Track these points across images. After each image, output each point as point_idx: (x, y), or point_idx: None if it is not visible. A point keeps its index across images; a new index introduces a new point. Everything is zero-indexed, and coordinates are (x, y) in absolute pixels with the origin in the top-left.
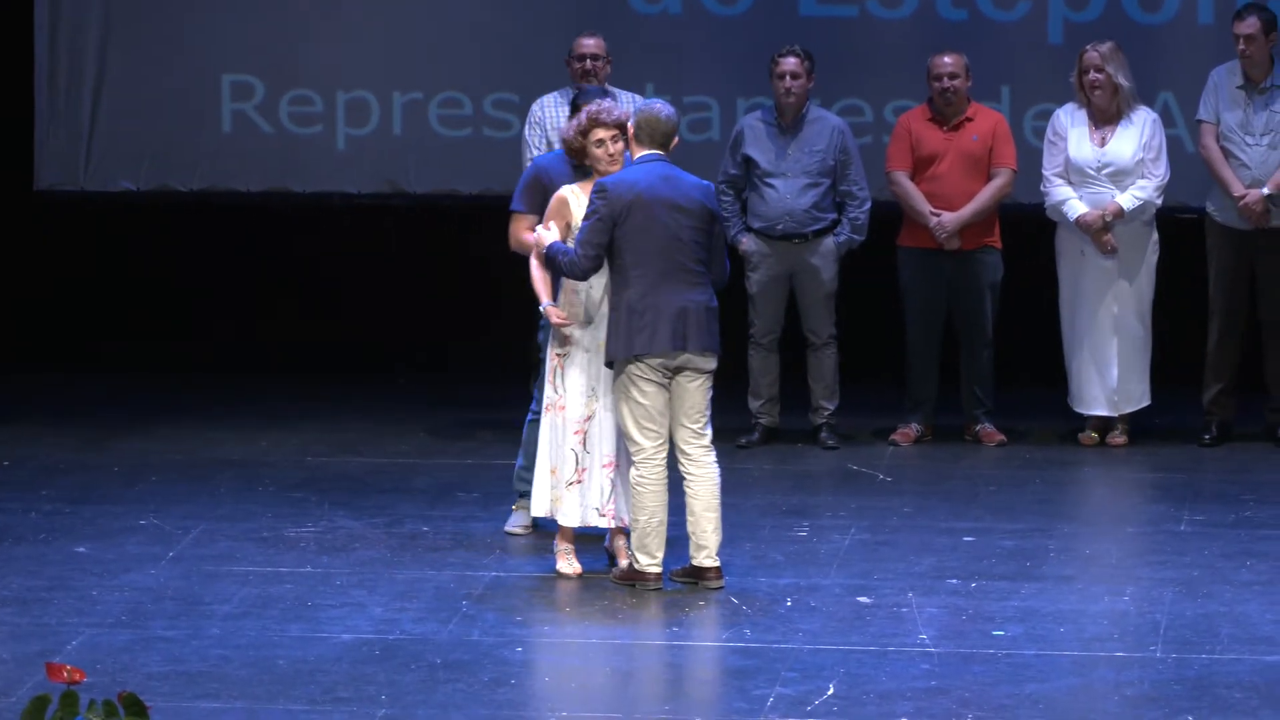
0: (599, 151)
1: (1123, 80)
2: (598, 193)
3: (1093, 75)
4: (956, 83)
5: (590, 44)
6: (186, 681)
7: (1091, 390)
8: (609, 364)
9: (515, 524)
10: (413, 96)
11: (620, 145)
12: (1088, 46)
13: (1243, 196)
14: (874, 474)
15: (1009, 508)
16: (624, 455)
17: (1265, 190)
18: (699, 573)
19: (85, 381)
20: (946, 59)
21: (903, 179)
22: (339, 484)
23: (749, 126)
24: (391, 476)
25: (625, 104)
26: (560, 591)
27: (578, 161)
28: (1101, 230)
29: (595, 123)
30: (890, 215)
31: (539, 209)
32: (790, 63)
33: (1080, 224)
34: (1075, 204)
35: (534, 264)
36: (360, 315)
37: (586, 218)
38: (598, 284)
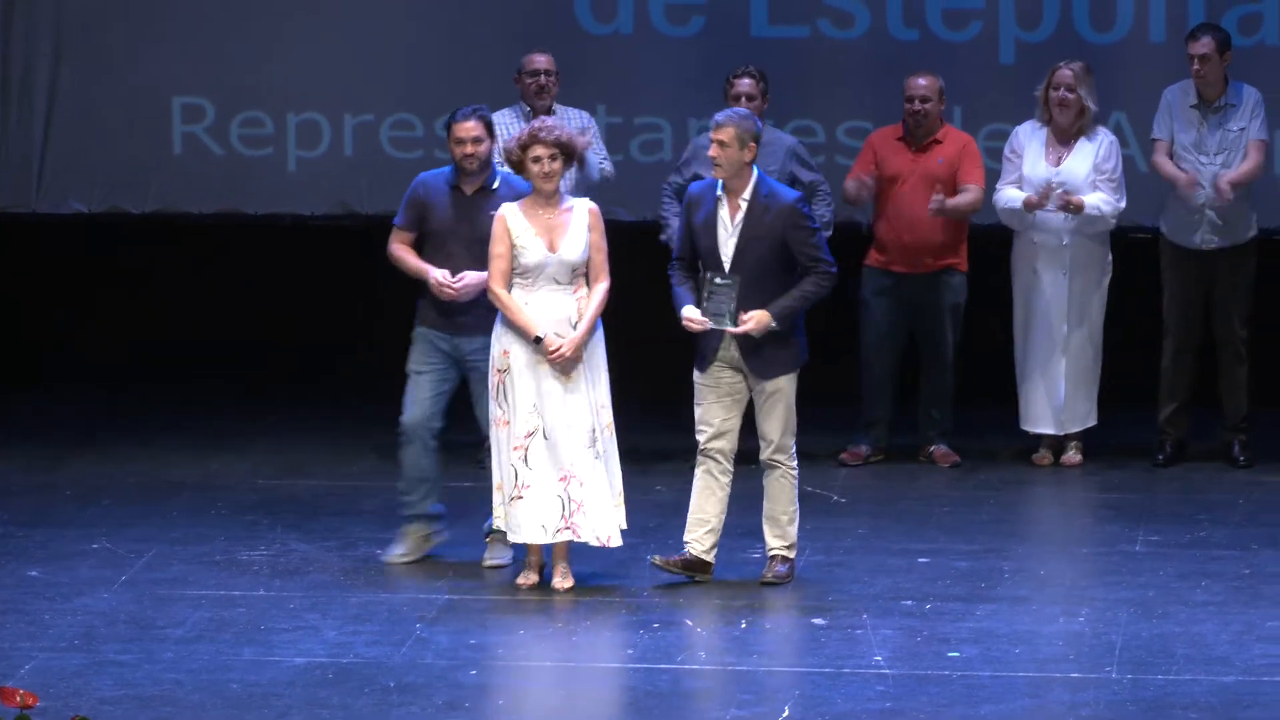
0: (535, 169)
1: (1091, 103)
2: (807, 207)
3: (1063, 93)
4: (928, 105)
5: (541, 60)
6: (139, 706)
7: (1039, 408)
8: (786, 370)
9: (392, 552)
10: (364, 118)
11: (558, 165)
12: (1061, 64)
13: (1194, 184)
14: (828, 495)
15: (963, 529)
16: (598, 471)
17: (1226, 178)
18: (705, 567)
19: (31, 402)
20: (921, 80)
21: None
22: (290, 507)
23: (701, 146)
24: (342, 499)
25: (574, 122)
26: (515, 614)
27: (520, 174)
28: (1044, 199)
29: (535, 140)
30: (852, 235)
31: (415, 225)
32: (745, 84)
33: (1027, 206)
34: (1018, 193)
35: (500, 298)
36: (311, 336)
37: (817, 231)
38: (550, 299)
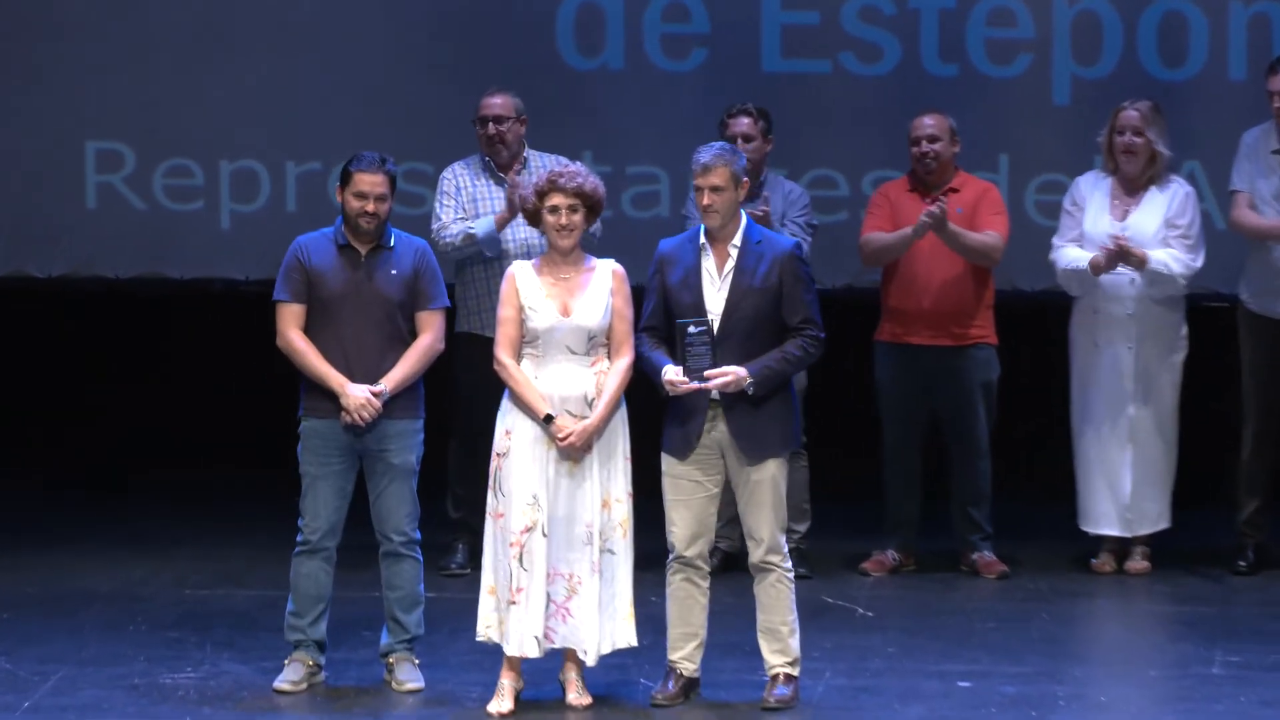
0: (551, 220)
1: (1162, 148)
2: (806, 262)
3: (1129, 138)
4: (938, 146)
5: (496, 103)
6: None
7: (1100, 506)
8: (779, 453)
9: (284, 679)
10: (309, 167)
11: (578, 217)
12: (1125, 104)
13: None
14: (852, 608)
15: (1010, 647)
16: (590, 574)
17: None
18: (695, 684)
19: None
20: (927, 120)
21: (873, 236)
22: (222, 620)
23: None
24: (283, 611)
25: (551, 167)
26: None
27: (535, 226)
28: (1113, 260)
29: (553, 187)
30: (868, 305)
31: (303, 296)
32: (743, 124)
33: (1094, 269)
34: (1082, 253)
35: (507, 370)
36: (245, 419)
37: (813, 288)
38: (563, 372)
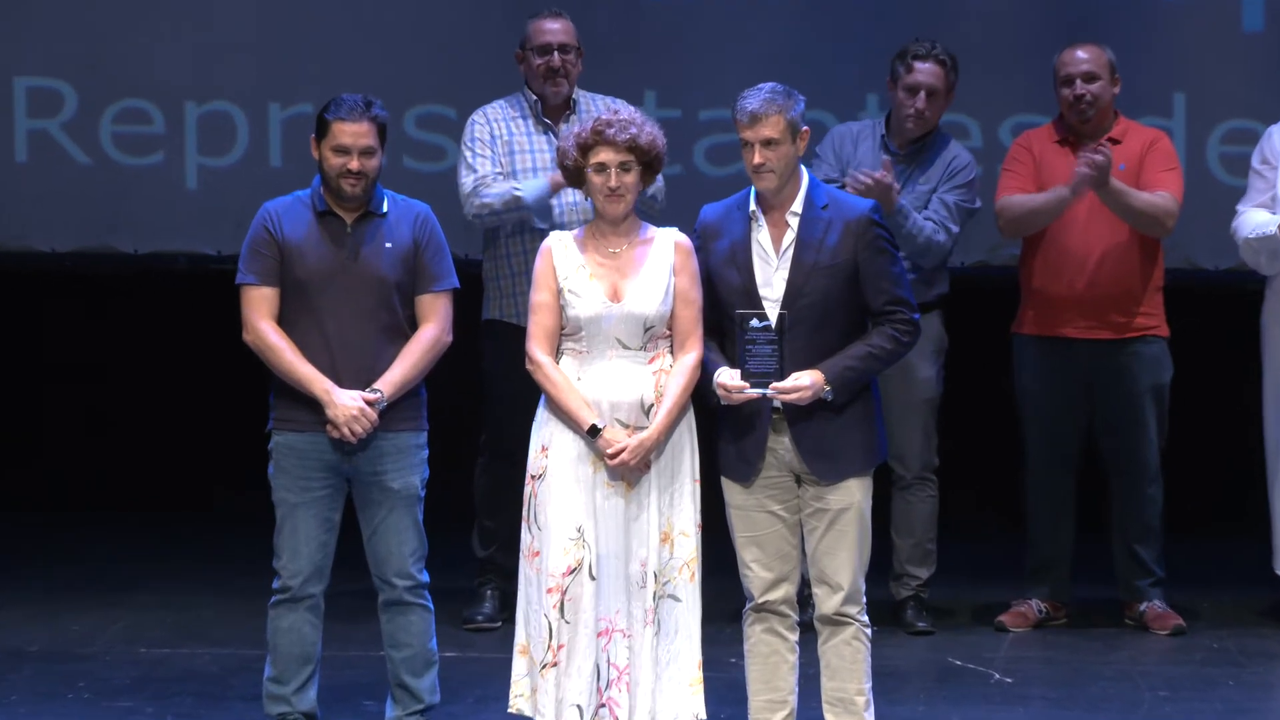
0: (597, 181)
1: None
2: (886, 226)
3: None
4: (1095, 87)
5: (555, 29)
6: None
7: None
8: (862, 471)
9: None
10: (298, 110)
11: (630, 177)
12: None
13: None
14: (987, 672)
15: None
16: (648, 630)
17: None
18: None
19: None
20: (1081, 53)
21: (1015, 198)
22: (185, 686)
23: (848, 137)
24: (261, 675)
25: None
26: None
27: (577, 187)
28: None
29: (600, 139)
30: (1005, 288)
31: (276, 277)
32: (927, 71)
33: None
34: (1271, 216)
35: (543, 370)
36: (212, 432)
37: (900, 260)
38: (614, 372)
